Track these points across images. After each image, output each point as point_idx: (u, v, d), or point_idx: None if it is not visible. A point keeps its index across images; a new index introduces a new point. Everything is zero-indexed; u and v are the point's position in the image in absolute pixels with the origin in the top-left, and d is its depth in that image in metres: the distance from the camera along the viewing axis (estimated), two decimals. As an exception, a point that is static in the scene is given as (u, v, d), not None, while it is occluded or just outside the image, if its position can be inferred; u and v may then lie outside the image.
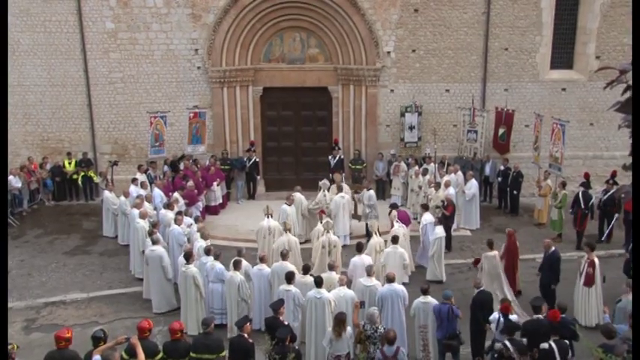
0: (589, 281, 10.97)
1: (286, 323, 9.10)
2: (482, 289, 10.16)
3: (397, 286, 10.03)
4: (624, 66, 3.04)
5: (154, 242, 11.76)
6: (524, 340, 8.58)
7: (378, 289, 10.11)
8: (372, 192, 15.09)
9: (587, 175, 16.66)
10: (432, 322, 9.79)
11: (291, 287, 10.01)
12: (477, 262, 12.02)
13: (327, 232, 12.46)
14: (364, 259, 11.44)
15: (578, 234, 14.90)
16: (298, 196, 14.88)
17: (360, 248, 11.77)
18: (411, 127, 18.04)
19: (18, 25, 17.39)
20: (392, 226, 13.07)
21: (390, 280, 10.04)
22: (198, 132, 17.83)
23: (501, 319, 9.20)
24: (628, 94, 3.01)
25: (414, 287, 12.14)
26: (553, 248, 11.52)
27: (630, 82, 3.03)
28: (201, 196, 16.26)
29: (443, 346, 9.62)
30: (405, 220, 13.57)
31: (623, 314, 9.32)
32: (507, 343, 8.24)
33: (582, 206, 14.81)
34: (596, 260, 11.09)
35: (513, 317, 9.45)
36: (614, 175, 15.94)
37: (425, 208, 14.13)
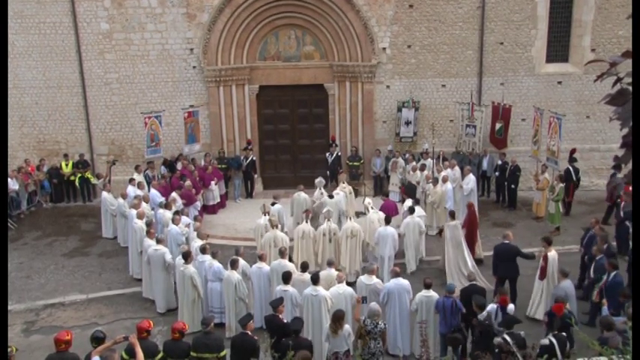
0: (542, 274, 11.16)
1: (285, 321, 9.11)
2: (473, 282, 10.18)
3: (403, 281, 10.10)
4: (614, 58, 3.04)
5: (158, 242, 11.78)
6: (522, 332, 8.61)
7: (381, 286, 10.21)
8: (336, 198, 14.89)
9: (573, 151, 17.13)
10: (433, 317, 9.83)
11: (289, 287, 10.01)
12: (441, 232, 13.23)
13: (328, 220, 12.85)
14: (389, 230, 12.47)
15: (569, 204, 16.58)
16: (302, 195, 14.90)
17: (388, 220, 12.73)
18: (408, 123, 18.04)
19: (12, 27, 17.34)
20: (367, 212, 13.69)
21: (395, 275, 10.16)
22: (193, 131, 17.83)
23: (499, 311, 9.24)
24: (618, 86, 3.02)
25: (416, 282, 12.24)
26: (507, 241, 11.67)
27: (621, 75, 3.04)
28: (198, 195, 16.25)
29: (447, 340, 9.62)
30: (390, 209, 13.87)
31: (554, 298, 9.98)
32: (507, 337, 8.24)
33: (574, 179, 16.44)
34: (551, 255, 11.12)
35: (510, 307, 9.52)
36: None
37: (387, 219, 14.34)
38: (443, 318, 9.51)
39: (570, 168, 16.55)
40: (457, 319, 9.47)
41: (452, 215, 13.04)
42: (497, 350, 8.34)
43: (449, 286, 9.82)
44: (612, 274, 10.35)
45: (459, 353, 9.64)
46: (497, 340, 8.34)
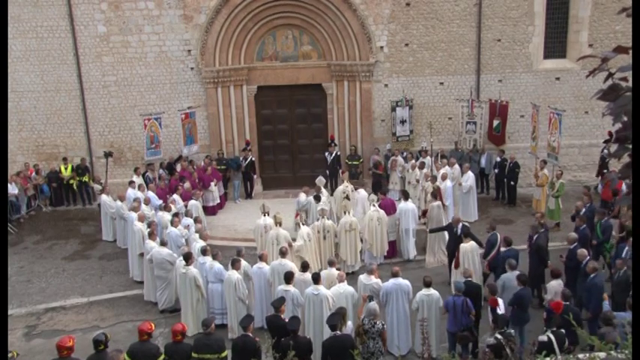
0: (456, 264, 11.66)
1: (287, 321, 9.11)
2: (469, 279, 10.19)
3: (402, 281, 10.10)
4: (606, 53, 3.05)
5: (162, 244, 11.81)
6: (512, 331, 8.63)
7: (378, 287, 10.19)
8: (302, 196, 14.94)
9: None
10: (434, 315, 9.85)
11: (290, 287, 10.01)
12: (424, 212, 14.36)
13: (322, 217, 13.03)
14: (409, 205, 13.72)
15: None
16: (304, 197, 14.89)
17: (406, 196, 13.94)
18: (403, 121, 18.05)
19: (10, 32, 17.33)
20: (374, 205, 13.88)
21: (394, 275, 10.16)
22: (191, 132, 17.84)
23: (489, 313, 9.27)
24: (610, 81, 3.03)
25: (416, 281, 12.26)
26: (461, 224, 12.09)
27: (612, 70, 3.05)
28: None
29: (457, 339, 9.59)
30: (388, 208, 13.97)
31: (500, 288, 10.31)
32: (499, 336, 8.25)
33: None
34: (464, 246, 11.39)
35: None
36: None
37: (405, 195, 14.53)
38: (453, 317, 9.48)
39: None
40: (468, 318, 9.43)
41: (434, 196, 14.07)
42: (488, 350, 8.30)
43: (457, 284, 9.77)
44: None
45: (468, 351, 9.64)
46: (491, 340, 8.33)
